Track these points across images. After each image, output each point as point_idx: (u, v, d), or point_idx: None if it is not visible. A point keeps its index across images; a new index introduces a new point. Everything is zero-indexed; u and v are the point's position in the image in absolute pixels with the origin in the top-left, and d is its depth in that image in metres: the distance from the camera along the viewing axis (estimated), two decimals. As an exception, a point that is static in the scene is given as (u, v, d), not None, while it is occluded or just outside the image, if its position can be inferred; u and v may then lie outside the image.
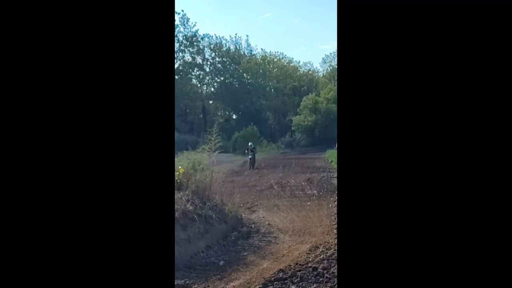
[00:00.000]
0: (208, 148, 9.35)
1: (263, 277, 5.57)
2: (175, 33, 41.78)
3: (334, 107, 38.98)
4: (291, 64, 50.31)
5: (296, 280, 5.41)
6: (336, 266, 5.53)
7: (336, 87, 37.89)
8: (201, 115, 44.04)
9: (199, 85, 46.89)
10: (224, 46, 47.12)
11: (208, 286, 5.53)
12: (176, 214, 6.99)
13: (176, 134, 38.37)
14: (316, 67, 72.51)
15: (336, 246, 6.42)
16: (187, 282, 5.64)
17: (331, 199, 11.69)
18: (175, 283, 5.50)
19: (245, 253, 7.18)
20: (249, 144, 22.51)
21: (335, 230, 7.80)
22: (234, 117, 46.50)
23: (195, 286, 5.50)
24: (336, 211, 9.07)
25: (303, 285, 5.29)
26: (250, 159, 21.27)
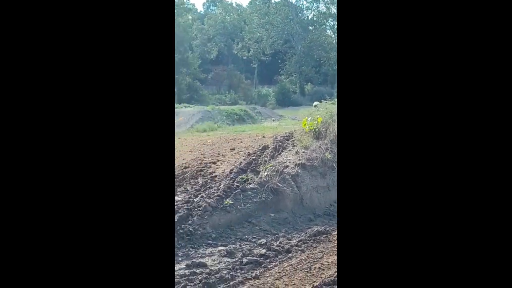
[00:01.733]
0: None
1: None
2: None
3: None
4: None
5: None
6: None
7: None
8: (335, 66, 43.24)
9: (333, 36, 45.84)
10: (360, -7, 45.08)
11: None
12: (315, 162, 7.05)
13: (310, 86, 38.47)
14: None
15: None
16: (327, 228, 5.74)
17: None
18: (315, 229, 5.63)
19: (385, 204, 7.03)
20: None
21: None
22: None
23: (335, 233, 5.56)
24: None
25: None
26: None
